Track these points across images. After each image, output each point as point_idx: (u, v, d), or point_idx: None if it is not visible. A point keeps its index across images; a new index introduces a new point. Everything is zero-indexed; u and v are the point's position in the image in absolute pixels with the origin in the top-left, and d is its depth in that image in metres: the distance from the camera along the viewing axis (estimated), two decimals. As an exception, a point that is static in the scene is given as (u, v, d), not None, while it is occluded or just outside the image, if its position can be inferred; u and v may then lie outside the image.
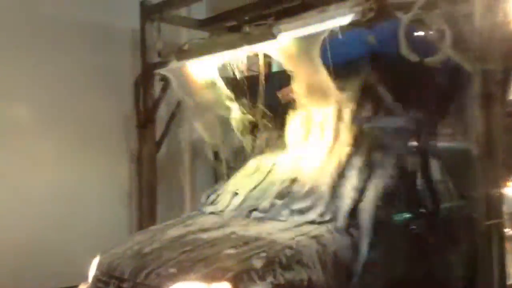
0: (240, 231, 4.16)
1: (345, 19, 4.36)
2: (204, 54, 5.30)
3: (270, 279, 3.48)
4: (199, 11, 7.26)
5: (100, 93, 6.84)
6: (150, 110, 6.74)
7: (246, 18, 5.92)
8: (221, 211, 4.87)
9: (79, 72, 6.67)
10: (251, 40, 4.89)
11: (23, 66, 6.22)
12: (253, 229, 4.16)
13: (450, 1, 4.09)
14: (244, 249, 3.72)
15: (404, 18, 4.21)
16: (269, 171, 5.01)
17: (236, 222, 4.43)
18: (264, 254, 3.62)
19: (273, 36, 4.73)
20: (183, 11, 7.15)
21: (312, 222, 4.15)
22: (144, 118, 6.79)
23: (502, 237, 3.95)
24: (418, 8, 4.14)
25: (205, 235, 4.13)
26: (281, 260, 3.60)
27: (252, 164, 5.33)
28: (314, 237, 3.91)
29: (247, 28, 4.90)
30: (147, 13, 6.64)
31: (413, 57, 4.21)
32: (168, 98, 6.85)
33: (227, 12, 6.44)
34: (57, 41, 6.51)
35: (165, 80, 6.34)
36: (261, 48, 4.87)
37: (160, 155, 7.00)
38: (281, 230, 4.03)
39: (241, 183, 5.10)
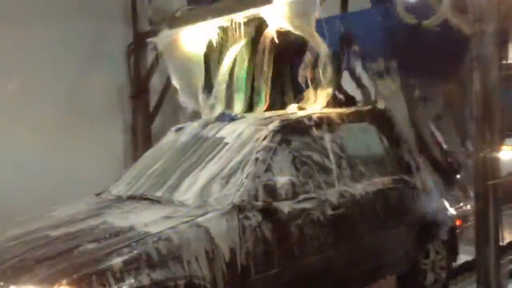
0: (114, 220, 3.49)
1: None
2: (198, 21, 5.19)
3: (130, 280, 2.86)
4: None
5: (92, 63, 6.73)
6: (143, 80, 6.66)
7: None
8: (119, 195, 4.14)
9: (70, 42, 6.52)
10: (246, 4, 4.80)
11: (13, 37, 6.07)
12: (132, 217, 3.50)
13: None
14: (108, 243, 3.09)
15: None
16: (200, 141, 4.31)
17: (116, 209, 3.76)
18: (127, 250, 2.98)
19: (267, 1, 4.65)
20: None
21: (204, 208, 3.49)
22: (137, 88, 6.71)
23: (498, 199, 3.98)
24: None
25: (69, 227, 3.44)
26: (150, 257, 2.98)
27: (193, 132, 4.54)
28: (202, 226, 3.27)
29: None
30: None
31: (411, 19, 4.18)
32: (161, 67, 6.75)
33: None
34: (47, 10, 6.35)
35: (157, 49, 6.22)
36: (257, 12, 4.77)
37: (155, 126, 6.95)
38: (164, 218, 3.39)
39: (162, 156, 4.41)
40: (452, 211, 4.88)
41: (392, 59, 4.46)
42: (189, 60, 5.44)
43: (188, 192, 3.73)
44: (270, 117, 4.33)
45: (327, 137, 4.18)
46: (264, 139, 3.86)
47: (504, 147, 7.73)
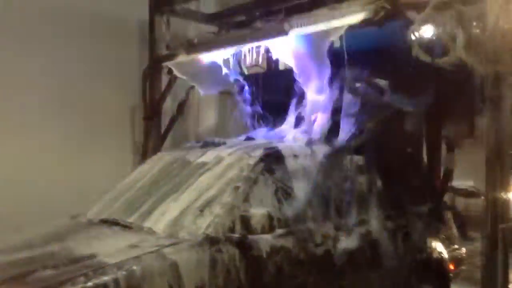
0: (77, 246, 3.26)
1: (357, 17, 4.34)
2: (214, 48, 5.27)
3: None
4: (208, 5, 7.25)
5: (107, 85, 6.83)
6: (156, 102, 6.73)
7: (257, 13, 5.89)
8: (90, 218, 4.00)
9: (87, 63, 6.65)
10: (261, 35, 4.87)
11: (33, 57, 6.21)
12: (96, 244, 3.26)
13: (463, 2, 4.08)
14: (65, 270, 2.85)
15: (417, 18, 4.20)
16: (181, 166, 4.13)
17: (82, 234, 3.57)
18: (83, 279, 2.73)
19: (284, 32, 4.71)
20: (192, 4, 7.12)
21: (174, 238, 3.25)
22: (151, 110, 6.77)
23: (507, 242, 3.94)
24: (430, 8, 4.13)
25: (31, 251, 3.21)
26: None
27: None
28: (168, 258, 3.01)
29: (258, 23, 4.86)
30: (156, 5, 6.62)
31: (425, 58, 4.21)
32: (174, 91, 6.85)
33: (236, 6, 6.42)
34: (66, 32, 6.49)
35: (171, 73, 6.31)
36: (270, 44, 4.84)
37: (165, 148, 6.98)
38: (130, 247, 3.14)
39: (142, 180, 4.26)
40: (444, 253, 4.67)
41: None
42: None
43: (159, 220, 3.50)
44: (254, 144, 4.20)
45: (317, 167, 4.05)
46: (246, 167, 3.71)
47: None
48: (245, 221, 3.36)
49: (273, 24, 4.80)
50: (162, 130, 6.90)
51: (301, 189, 3.86)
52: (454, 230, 4.82)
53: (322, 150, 4.25)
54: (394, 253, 4.30)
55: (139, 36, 7.13)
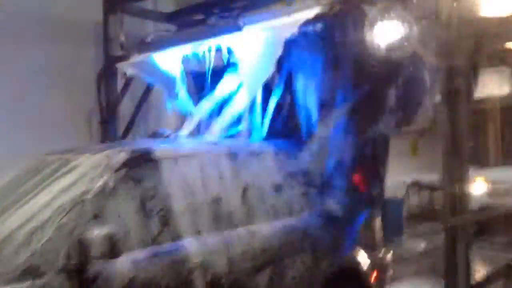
0: None
1: (312, 12, 4.26)
2: (167, 47, 5.11)
3: None
4: (166, 4, 7.06)
5: (62, 88, 6.55)
6: (112, 105, 6.51)
7: (215, 11, 5.75)
8: None
9: (40, 66, 6.38)
10: (216, 32, 4.74)
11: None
12: None
13: (418, -5, 4.05)
14: None
15: (371, 11, 4.14)
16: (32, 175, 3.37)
17: None
18: None
19: (238, 28, 4.59)
20: (149, 4, 6.94)
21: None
22: (107, 113, 6.55)
23: (467, 236, 3.91)
24: (385, 1, 4.08)
25: None
26: None
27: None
28: None
29: (212, 20, 4.73)
30: (110, 5, 6.41)
31: (378, 51, 4.15)
32: (132, 93, 6.64)
33: (195, 5, 6.26)
34: (18, 34, 6.21)
35: (127, 74, 6.11)
36: (225, 41, 4.71)
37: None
38: None
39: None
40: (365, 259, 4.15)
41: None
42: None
43: None
44: (121, 147, 3.47)
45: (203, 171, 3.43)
46: (101, 176, 2.99)
47: (477, 179, 7.85)
48: (84, 245, 2.68)
49: (227, 20, 4.68)
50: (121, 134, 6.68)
51: (181, 200, 3.24)
52: (379, 235, 4.35)
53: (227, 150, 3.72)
54: (300, 267, 3.72)
55: (95, 37, 6.89)
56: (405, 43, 4.05)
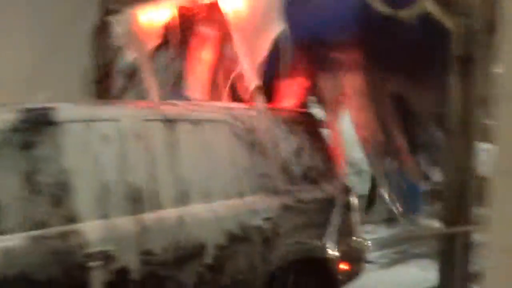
0: None
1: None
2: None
3: None
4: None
5: (57, 45, 6.17)
6: (108, 63, 6.10)
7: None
8: None
9: (32, 22, 6.01)
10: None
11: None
12: None
13: None
14: None
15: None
16: None
17: None
18: None
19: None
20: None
21: None
22: (102, 73, 6.15)
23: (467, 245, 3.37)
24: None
25: None
26: None
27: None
28: None
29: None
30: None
31: (385, 9, 3.56)
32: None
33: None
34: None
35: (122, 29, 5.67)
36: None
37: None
38: None
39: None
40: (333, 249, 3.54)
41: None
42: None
43: None
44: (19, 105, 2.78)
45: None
46: None
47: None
48: None
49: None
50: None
51: (84, 175, 2.67)
52: (355, 224, 3.75)
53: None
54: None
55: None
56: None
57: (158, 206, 2.83)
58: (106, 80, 6.18)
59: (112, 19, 5.68)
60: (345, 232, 3.63)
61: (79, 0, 6.28)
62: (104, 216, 2.66)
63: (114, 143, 2.80)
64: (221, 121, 3.26)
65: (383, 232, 6.63)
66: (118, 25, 5.68)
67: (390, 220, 6.60)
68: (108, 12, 5.87)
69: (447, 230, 3.38)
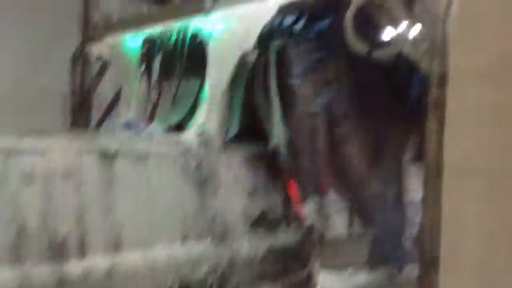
0: None
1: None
2: (132, 28, 4.54)
3: None
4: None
5: (36, 71, 6.06)
6: (86, 91, 5.97)
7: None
8: None
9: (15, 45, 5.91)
10: (181, 14, 4.14)
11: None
12: None
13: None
14: None
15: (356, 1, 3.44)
16: None
17: None
18: None
19: (205, 12, 3.97)
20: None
21: None
22: (80, 100, 6.02)
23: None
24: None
25: None
26: None
27: None
28: None
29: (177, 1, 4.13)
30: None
31: (359, 48, 3.45)
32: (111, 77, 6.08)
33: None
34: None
35: (101, 57, 5.57)
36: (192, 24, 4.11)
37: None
38: None
39: None
40: None
41: None
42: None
43: None
44: None
45: None
46: None
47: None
48: None
49: (194, 2, 4.05)
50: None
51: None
52: (316, 267, 3.51)
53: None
54: None
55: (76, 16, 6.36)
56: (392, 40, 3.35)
57: (83, 254, 2.52)
58: (84, 108, 6.03)
59: (91, 46, 5.58)
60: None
61: (59, 27, 6.20)
62: (18, 264, 2.35)
63: (37, 181, 2.49)
64: (169, 156, 3.04)
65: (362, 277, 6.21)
66: (97, 53, 5.59)
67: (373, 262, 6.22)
68: (87, 39, 5.78)
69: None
